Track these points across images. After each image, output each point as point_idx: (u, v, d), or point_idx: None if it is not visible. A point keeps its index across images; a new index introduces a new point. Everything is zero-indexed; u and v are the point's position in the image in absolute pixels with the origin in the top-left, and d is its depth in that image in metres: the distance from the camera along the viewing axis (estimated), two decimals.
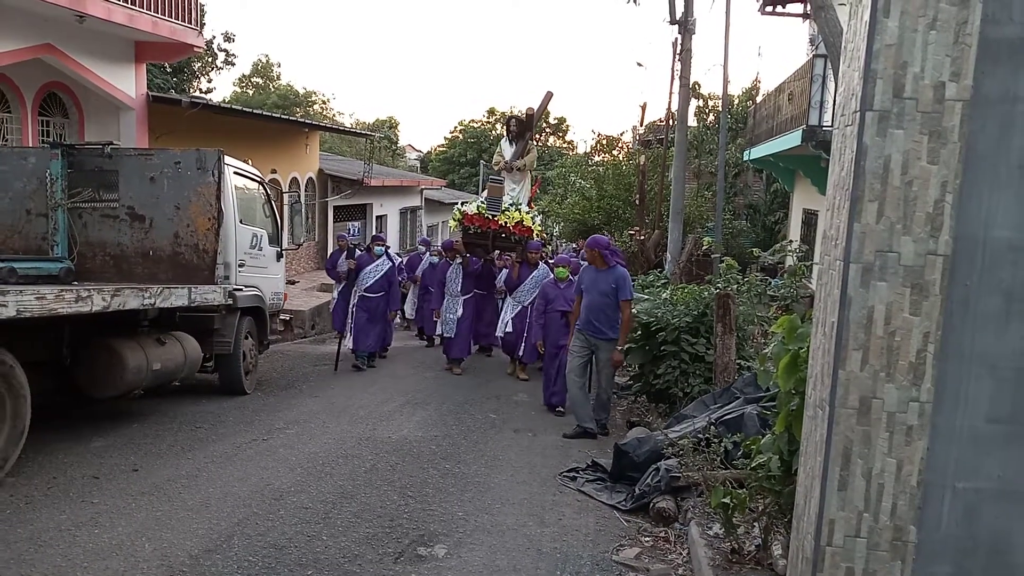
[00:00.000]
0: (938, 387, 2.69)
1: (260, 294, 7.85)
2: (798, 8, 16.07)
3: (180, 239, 6.70)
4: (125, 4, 9.50)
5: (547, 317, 8.30)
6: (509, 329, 9.84)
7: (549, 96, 11.32)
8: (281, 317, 8.60)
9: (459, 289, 10.17)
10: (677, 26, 11.32)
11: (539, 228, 10.57)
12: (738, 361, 6.32)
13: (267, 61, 50.50)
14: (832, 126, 8.73)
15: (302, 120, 20.51)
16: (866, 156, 2.64)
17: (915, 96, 2.59)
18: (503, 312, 10.19)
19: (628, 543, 4.45)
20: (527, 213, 10.30)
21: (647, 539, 4.53)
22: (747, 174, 22.93)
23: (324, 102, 49.73)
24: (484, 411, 7.67)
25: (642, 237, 16.55)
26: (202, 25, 11.30)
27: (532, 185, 11.56)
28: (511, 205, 10.30)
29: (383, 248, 10.06)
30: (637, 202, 16.64)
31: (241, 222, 7.61)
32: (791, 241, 11.90)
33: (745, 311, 7.42)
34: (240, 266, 7.54)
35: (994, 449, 2.69)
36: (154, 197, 6.72)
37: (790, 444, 3.46)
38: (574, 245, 14.92)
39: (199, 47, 11.24)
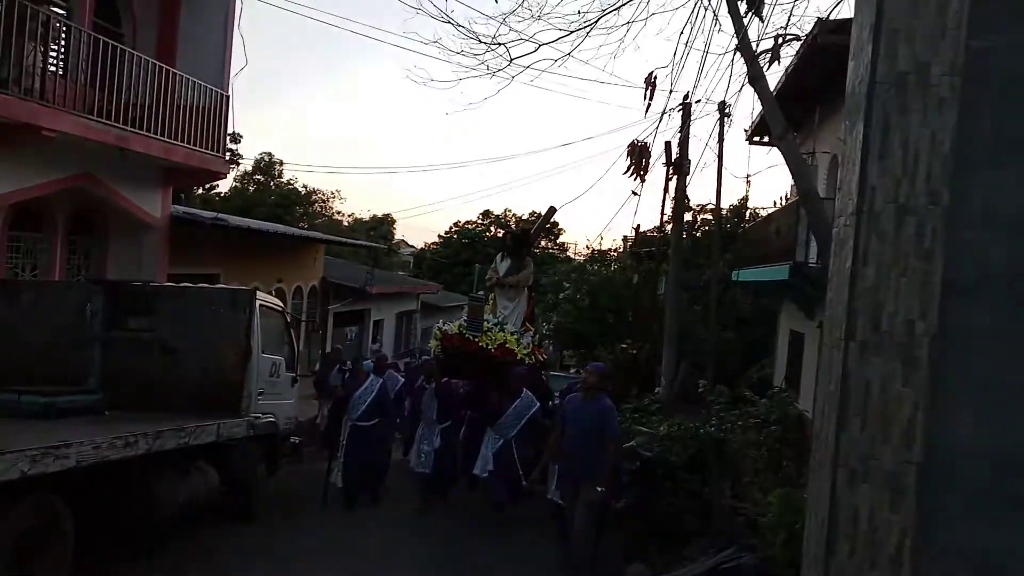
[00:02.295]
0: None
1: (275, 421, 8.21)
2: None
3: (208, 372, 7.11)
4: (162, 138, 10.18)
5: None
6: (491, 467, 8.58)
7: (552, 212, 11.06)
8: (292, 439, 8.91)
9: (434, 416, 9.13)
10: (672, 167, 12.07)
11: (524, 349, 9.64)
12: (732, 501, 6.68)
13: (270, 159, 51.95)
14: (819, 264, 9.27)
15: (314, 235, 21.27)
16: (850, 377, 3.13)
17: (890, 330, 3.10)
18: (483, 447, 8.82)
19: None
20: (512, 334, 9.58)
21: None
22: (734, 289, 23.71)
23: (324, 201, 50.94)
24: None
25: (634, 351, 17.07)
26: (228, 152, 12.00)
27: (528, 303, 10.76)
28: (495, 325, 9.66)
29: (371, 363, 9.33)
30: (631, 317, 17.20)
31: (263, 352, 8.04)
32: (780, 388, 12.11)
33: (735, 443, 7.82)
34: (259, 394, 7.94)
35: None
36: (187, 331, 7.16)
37: None
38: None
39: (225, 173, 11.95)
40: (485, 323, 9.65)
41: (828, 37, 10.10)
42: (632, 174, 10.59)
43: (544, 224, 11.49)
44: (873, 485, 3.14)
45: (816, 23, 9.31)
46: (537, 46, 7.68)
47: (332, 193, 49.17)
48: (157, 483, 6.10)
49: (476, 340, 9.40)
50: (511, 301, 10.25)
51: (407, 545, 7.81)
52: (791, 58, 10.60)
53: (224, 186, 30.95)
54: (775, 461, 8.23)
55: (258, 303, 7.73)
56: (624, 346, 17.16)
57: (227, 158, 11.90)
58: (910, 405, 3.14)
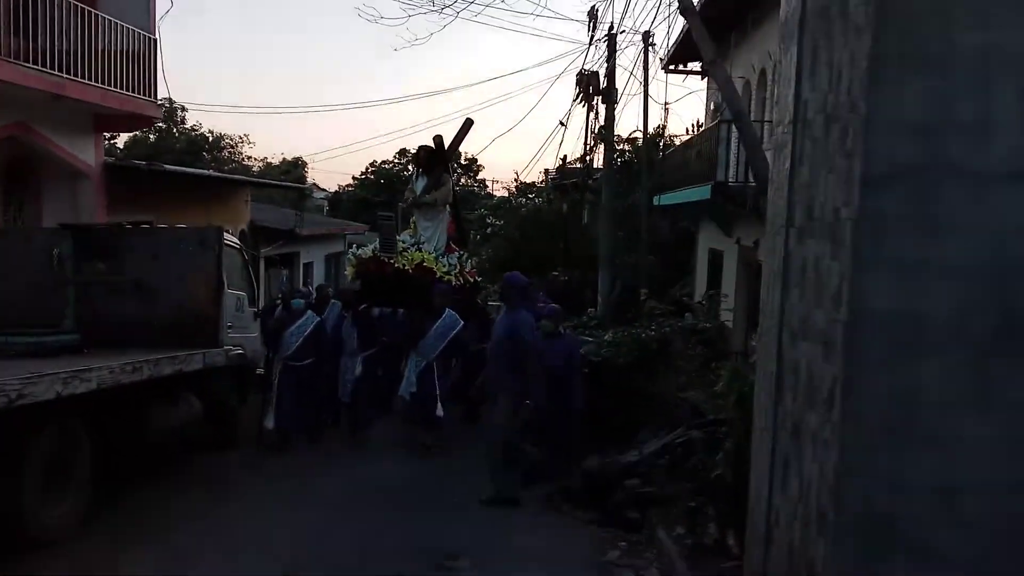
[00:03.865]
0: (844, 413, 3.89)
1: (244, 352, 8.60)
2: (696, 66, 17.93)
3: (183, 307, 7.42)
4: (98, 84, 10.11)
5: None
6: (414, 390, 8.35)
7: (468, 124, 10.13)
8: (258, 370, 9.29)
9: (355, 345, 8.80)
10: (600, 97, 12.65)
11: (444, 268, 9.29)
12: (678, 395, 7.54)
13: (170, 105, 49.90)
14: (739, 183, 10.11)
15: (242, 178, 21.17)
16: (790, 256, 3.85)
17: (821, 217, 3.82)
18: (406, 370, 8.55)
19: (609, 548, 5.53)
20: (431, 254, 9.19)
21: (623, 544, 5.62)
22: (653, 214, 24.80)
23: (233, 146, 49.52)
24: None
25: (566, 278, 17.89)
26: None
27: (449, 222, 10.23)
28: (412, 245, 9.26)
29: (301, 301, 8.65)
30: (562, 246, 17.94)
31: (228, 288, 8.37)
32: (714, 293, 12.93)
33: (676, 344, 8.70)
34: (228, 327, 8.29)
35: (885, 452, 3.91)
36: (159, 270, 7.43)
37: (738, 458, 4.63)
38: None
39: (158, 118, 11.89)
40: (401, 243, 9.21)
41: None
42: (581, 101, 11.03)
43: (461, 138, 10.07)
44: (810, 341, 3.91)
45: None
46: None
47: (241, 137, 47.82)
48: (152, 411, 6.50)
49: (391, 261, 9.00)
50: (431, 221, 9.69)
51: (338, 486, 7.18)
52: None
53: (121, 138, 29.84)
54: (705, 361, 9.16)
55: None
56: (555, 273, 17.94)
57: (158, 103, 11.83)
58: (837, 276, 3.90)
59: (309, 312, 8.55)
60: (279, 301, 9.12)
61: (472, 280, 10.31)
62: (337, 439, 8.79)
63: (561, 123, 12.91)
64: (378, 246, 9.25)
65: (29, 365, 5.44)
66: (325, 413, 8.92)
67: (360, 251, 9.63)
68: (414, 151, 10.18)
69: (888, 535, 3.94)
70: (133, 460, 6.63)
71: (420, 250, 9.16)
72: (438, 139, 9.77)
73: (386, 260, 9.03)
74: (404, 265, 9.02)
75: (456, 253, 9.93)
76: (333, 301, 9.42)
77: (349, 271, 9.83)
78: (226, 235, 8.47)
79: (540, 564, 5.17)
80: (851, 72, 3.78)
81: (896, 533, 3.92)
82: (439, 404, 8.27)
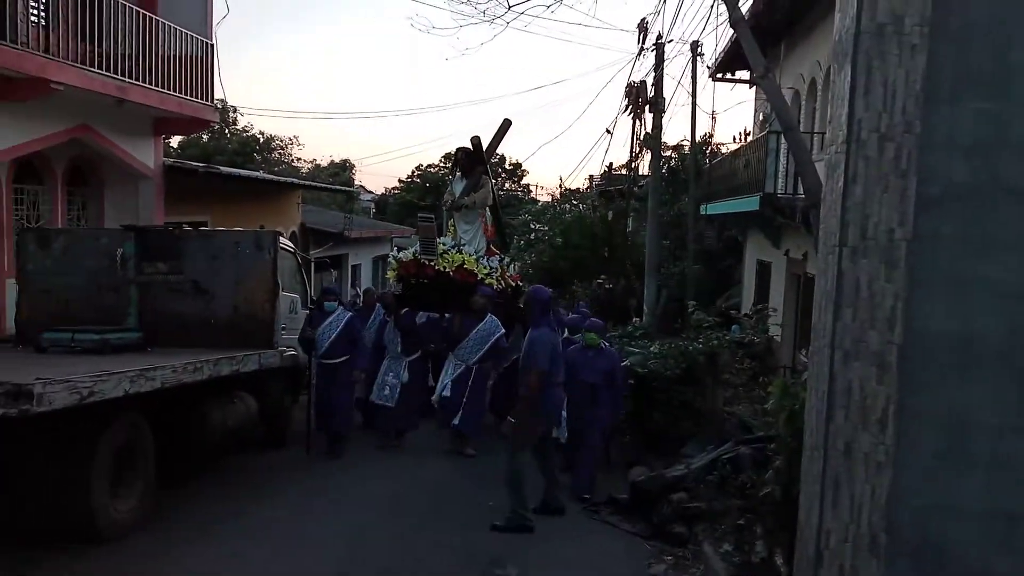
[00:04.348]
0: (898, 434, 3.87)
1: (297, 354, 8.79)
2: (744, 74, 17.80)
3: (239, 309, 7.61)
4: (158, 88, 10.44)
5: (570, 387, 6.84)
6: (447, 394, 8.28)
7: (507, 124, 9.94)
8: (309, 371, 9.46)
9: (398, 350, 8.68)
10: (648, 106, 12.65)
11: (485, 270, 9.07)
12: (725, 409, 7.53)
13: (224, 106, 50.92)
14: (788, 194, 10.06)
15: (294, 181, 21.65)
16: (843, 276, 3.85)
17: (875, 236, 3.81)
18: (442, 373, 8.52)
19: (655, 561, 5.55)
20: (471, 256, 8.97)
21: (668, 558, 5.63)
22: (700, 222, 24.66)
23: (283, 148, 50.42)
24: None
25: (610, 285, 17.88)
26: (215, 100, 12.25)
27: (490, 225, 10.05)
28: (452, 247, 9.01)
29: (335, 303, 8.50)
30: (606, 254, 17.93)
31: (282, 290, 8.57)
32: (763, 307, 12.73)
33: (724, 357, 8.67)
34: (282, 329, 8.49)
35: (938, 475, 3.88)
36: (217, 272, 7.63)
37: (789, 476, 4.62)
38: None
39: (215, 122, 12.22)
40: (441, 245, 8.93)
41: None
42: (630, 113, 11.04)
43: (499, 138, 9.82)
44: (863, 362, 3.91)
45: None
46: None
47: (291, 139, 48.66)
48: (211, 410, 6.70)
49: (432, 264, 8.76)
50: (470, 224, 9.48)
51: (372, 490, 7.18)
52: None
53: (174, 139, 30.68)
54: (753, 376, 9.11)
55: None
56: (600, 281, 17.94)
57: (215, 106, 12.16)
58: (891, 297, 3.89)
59: (340, 309, 8.49)
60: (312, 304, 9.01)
61: (515, 284, 10.11)
62: (368, 442, 8.69)
63: (607, 131, 12.94)
64: (418, 248, 9.05)
65: (96, 362, 5.67)
66: (348, 417, 8.57)
67: (401, 254, 9.45)
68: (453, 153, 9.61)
69: (941, 559, 3.91)
70: (192, 457, 6.84)
71: (460, 252, 8.98)
72: (476, 140, 9.54)
73: (427, 263, 8.83)
74: (445, 267, 8.84)
75: (497, 256, 9.74)
76: (378, 306, 9.37)
77: (390, 274, 9.63)
78: (281, 239, 8.67)
79: (585, 573, 5.21)
80: (906, 91, 3.78)
81: (950, 557, 3.89)
82: (461, 414, 8.11)
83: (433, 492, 7.07)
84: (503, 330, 8.30)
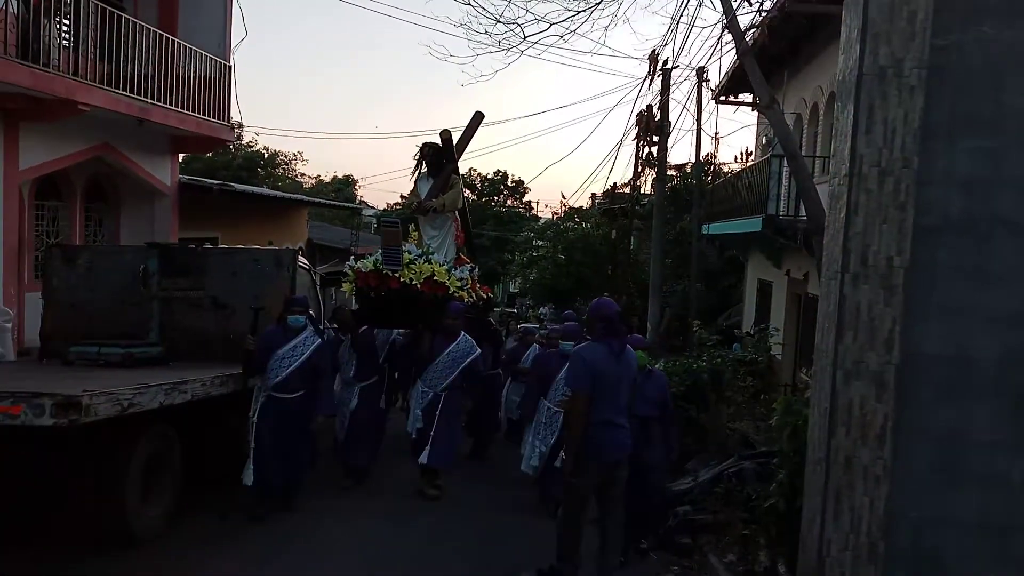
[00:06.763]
0: (896, 449, 4.11)
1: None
2: (746, 97, 18.14)
3: (258, 325, 7.84)
4: (177, 109, 10.74)
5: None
6: (420, 425, 7.39)
7: (479, 118, 8.94)
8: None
9: (351, 374, 7.82)
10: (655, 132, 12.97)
11: (457, 282, 7.91)
12: (728, 425, 7.76)
13: (241, 126, 51.36)
14: (790, 216, 10.32)
15: (302, 198, 21.99)
16: (845, 301, 4.11)
17: (875, 264, 4.07)
18: (412, 402, 7.74)
19: (662, 571, 5.76)
20: (442, 266, 7.78)
21: (675, 568, 5.85)
22: (701, 242, 25.00)
23: (287, 163, 50.87)
24: None
25: None
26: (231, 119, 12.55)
27: (460, 231, 8.91)
28: (419, 256, 7.78)
29: (301, 318, 6.84)
30: (610, 271, 18.21)
31: None
32: (765, 327, 12.98)
33: (727, 375, 8.90)
34: None
35: (934, 489, 4.11)
36: (236, 288, 7.86)
37: (791, 489, 4.85)
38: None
39: (231, 141, 12.51)
40: (406, 254, 7.73)
41: (795, 6, 11.09)
42: (641, 139, 11.28)
43: (471, 133, 8.79)
44: (863, 382, 4.16)
45: None
46: (548, 24, 8.36)
47: (295, 155, 49.14)
48: (232, 421, 6.90)
49: (396, 276, 7.57)
50: (438, 230, 8.32)
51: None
52: (762, 25, 11.52)
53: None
54: (755, 393, 9.35)
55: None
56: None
57: (231, 127, 12.46)
58: (890, 320, 4.15)
59: (308, 331, 6.82)
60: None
61: (485, 297, 9.23)
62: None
63: (614, 150, 13.23)
64: (380, 257, 7.77)
65: (124, 376, 5.90)
66: (301, 464, 6.88)
67: (359, 263, 8.05)
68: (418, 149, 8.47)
69: (937, 569, 4.14)
70: (214, 466, 7.05)
71: (429, 262, 7.75)
72: (446, 135, 8.38)
73: (390, 273, 7.62)
74: (412, 280, 7.59)
75: (467, 266, 8.60)
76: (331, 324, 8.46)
77: (346, 287, 8.30)
78: (301, 259, 8.92)
79: None
80: (905, 129, 4.07)
81: (944, 567, 4.12)
82: (429, 449, 7.21)
83: (448, 500, 7.27)
84: (479, 351, 7.60)
